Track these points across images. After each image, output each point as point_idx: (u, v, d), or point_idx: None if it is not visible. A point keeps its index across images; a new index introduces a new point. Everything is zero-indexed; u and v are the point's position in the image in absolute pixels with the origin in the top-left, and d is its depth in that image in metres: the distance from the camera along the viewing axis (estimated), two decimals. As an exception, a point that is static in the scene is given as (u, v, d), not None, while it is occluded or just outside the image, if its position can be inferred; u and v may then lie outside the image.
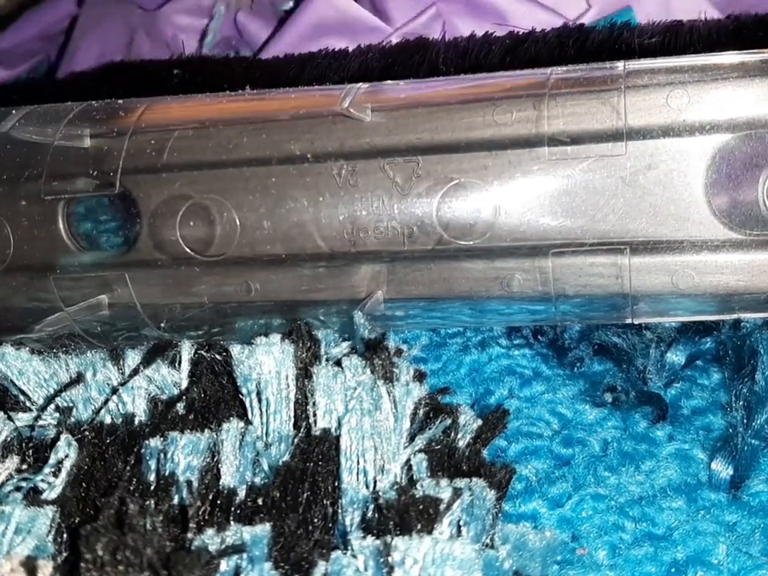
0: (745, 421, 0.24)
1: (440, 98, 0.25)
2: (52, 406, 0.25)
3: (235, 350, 0.24)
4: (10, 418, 0.25)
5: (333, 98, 0.26)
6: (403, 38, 0.41)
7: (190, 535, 0.20)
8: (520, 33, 0.40)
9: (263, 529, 0.20)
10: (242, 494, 0.22)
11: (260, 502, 0.22)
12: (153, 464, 0.22)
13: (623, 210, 0.24)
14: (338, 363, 0.24)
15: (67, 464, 0.23)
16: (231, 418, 0.23)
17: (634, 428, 0.25)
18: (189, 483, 0.22)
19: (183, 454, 0.22)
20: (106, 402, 0.25)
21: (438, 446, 0.23)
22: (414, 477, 0.22)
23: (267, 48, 0.48)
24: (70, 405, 0.25)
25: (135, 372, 0.25)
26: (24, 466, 0.23)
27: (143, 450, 0.23)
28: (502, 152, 0.24)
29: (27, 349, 0.26)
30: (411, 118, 0.25)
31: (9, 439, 0.24)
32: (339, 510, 0.22)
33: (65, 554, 0.21)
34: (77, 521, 0.22)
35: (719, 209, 0.23)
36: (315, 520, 0.21)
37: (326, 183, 0.25)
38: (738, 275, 0.24)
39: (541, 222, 0.24)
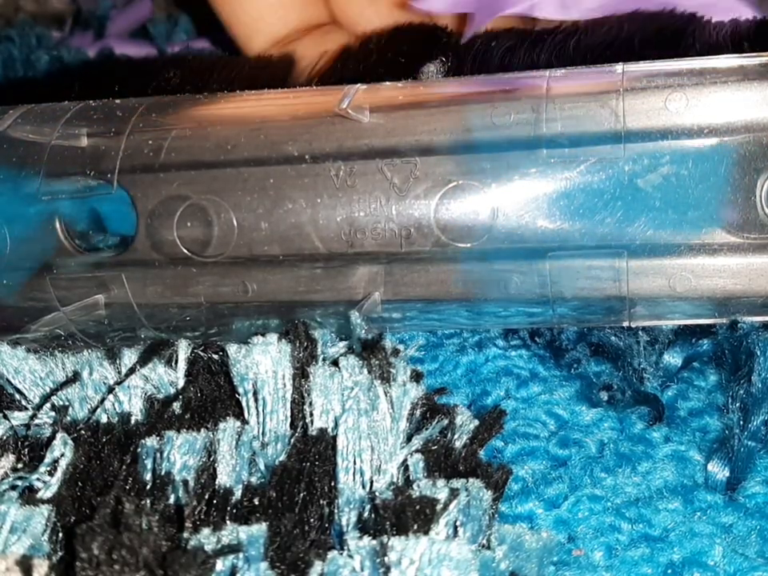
0: (741, 422, 0.24)
1: (438, 99, 0.25)
2: (48, 404, 0.25)
3: (232, 349, 0.24)
4: (5, 417, 0.25)
5: (331, 99, 0.26)
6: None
7: (186, 535, 0.20)
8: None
9: (259, 528, 0.20)
10: (238, 493, 0.22)
11: (256, 501, 0.22)
12: (149, 463, 0.22)
13: (621, 212, 0.24)
14: (335, 363, 0.24)
15: (63, 463, 0.23)
16: (228, 418, 0.23)
17: (631, 429, 0.25)
18: (185, 482, 0.22)
19: (179, 453, 0.22)
20: (102, 401, 0.25)
21: (435, 447, 0.23)
22: (411, 477, 0.22)
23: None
24: (66, 404, 0.25)
25: (132, 371, 0.25)
26: (20, 465, 0.23)
27: (139, 450, 0.23)
28: (500, 154, 0.24)
29: (23, 347, 0.26)
30: (409, 119, 0.25)
31: (4, 438, 0.24)
32: (336, 510, 0.22)
33: (60, 553, 0.21)
34: (72, 520, 0.22)
35: (717, 212, 0.23)
36: (312, 520, 0.21)
37: (323, 184, 0.25)
38: (736, 279, 0.24)
39: (539, 225, 0.24)
